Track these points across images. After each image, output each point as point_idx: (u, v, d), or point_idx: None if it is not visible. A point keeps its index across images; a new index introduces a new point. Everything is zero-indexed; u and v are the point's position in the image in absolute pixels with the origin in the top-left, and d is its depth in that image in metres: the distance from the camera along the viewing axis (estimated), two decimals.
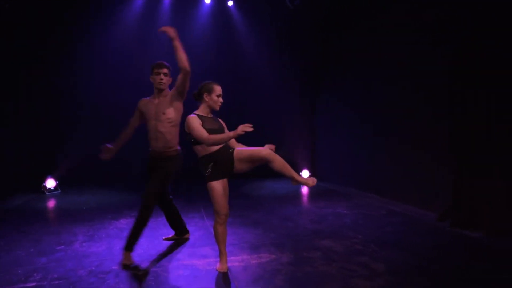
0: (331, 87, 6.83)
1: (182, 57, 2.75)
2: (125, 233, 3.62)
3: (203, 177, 2.60)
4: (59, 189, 6.15)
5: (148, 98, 3.11)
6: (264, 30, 7.35)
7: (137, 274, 2.67)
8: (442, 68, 3.99)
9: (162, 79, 2.96)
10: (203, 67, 5.83)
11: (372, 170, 5.49)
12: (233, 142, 2.73)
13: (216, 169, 2.54)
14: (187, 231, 3.49)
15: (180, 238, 3.46)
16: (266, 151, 2.46)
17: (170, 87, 3.05)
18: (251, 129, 2.29)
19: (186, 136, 2.63)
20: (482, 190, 3.47)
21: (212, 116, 2.73)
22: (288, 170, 2.48)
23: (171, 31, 2.74)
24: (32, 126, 6.19)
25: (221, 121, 2.79)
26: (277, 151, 2.55)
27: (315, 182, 2.52)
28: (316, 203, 5.02)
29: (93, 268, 2.78)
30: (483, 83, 3.45)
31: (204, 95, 2.66)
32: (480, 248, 3.09)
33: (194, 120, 2.55)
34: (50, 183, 6.09)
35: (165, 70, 2.98)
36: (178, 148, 3.06)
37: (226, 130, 2.74)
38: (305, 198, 5.55)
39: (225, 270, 2.66)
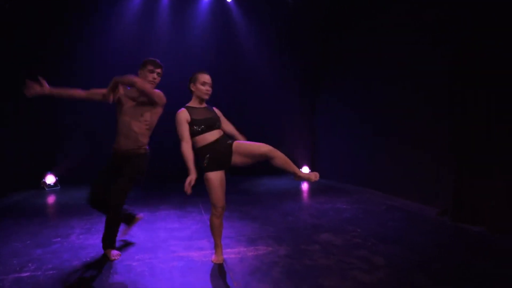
0: (331, 86, 6.81)
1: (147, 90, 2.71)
2: (122, 227, 3.63)
3: (201, 168, 2.56)
4: (58, 185, 6.16)
5: (129, 87, 2.87)
6: (264, 30, 7.35)
7: (131, 264, 2.64)
8: (442, 68, 3.97)
9: (155, 78, 2.83)
10: (202, 66, 5.78)
11: (373, 169, 5.46)
12: (236, 134, 2.72)
13: (213, 161, 2.50)
14: (134, 215, 3.18)
15: (134, 224, 3.21)
16: (266, 147, 2.42)
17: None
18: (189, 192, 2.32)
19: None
20: (482, 190, 3.44)
21: (205, 105, 2.67)
22: (290, 166, 2.45)
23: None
24: (32, 126, 6.17)
25: (216, 110, 2.73)
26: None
27: (317, 177, 2.50)
28: (317, 199, 4.97)
29: (88, 259, 2.76)
30: (483, 83, 3.41)
31: (191, 86, 2.62)
32: (481, 244, 3.03)
33: (179, 116, 2.51)
34: (50, 179, 6.10)
35: (160, 70, 2.87)
36: (147, 147, 2.91)
37: (222, 118, 2.71)
38: (305, 195, 5.50)
39: (221, 262, 2.63)
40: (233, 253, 2.82)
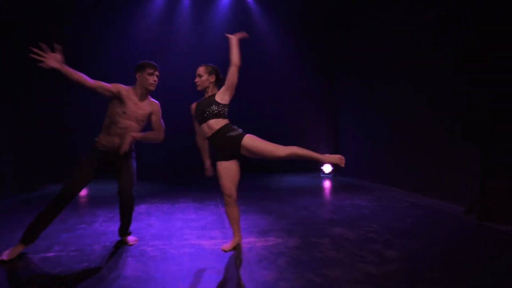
0: (354, 86, 6.65)
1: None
2: (143, 217, 3.80)
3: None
4: None
5: (126, 87, 2.73)
6: (284, 28, 7.32)
7: (145, 249, 2.77)
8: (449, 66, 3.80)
9: (155, 81, 2.77)
10: (222, 66, 5.85)
11: (397, 168, 5.28)
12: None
13: (217, 151, 2.64)
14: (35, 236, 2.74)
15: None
16: (283, 152, 2.40)
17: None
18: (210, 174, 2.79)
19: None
20: (510, 188, 3.26)
21: (207, 97, 2.72)
22: (312, 156, 2.49)
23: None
24: (62, 121, 6.32)
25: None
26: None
27: (343, 160, 2.56)
28: (337, 196, 4.90)
29: (107, 243, 2.92)
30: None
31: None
32: (508, 243, 2.84)
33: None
34: None
35: (158, 72, 2.80)
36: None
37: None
38: (325, 192, 5.42)
39: (229, 249, 2.67)
40: (243, 243, 2.86)
